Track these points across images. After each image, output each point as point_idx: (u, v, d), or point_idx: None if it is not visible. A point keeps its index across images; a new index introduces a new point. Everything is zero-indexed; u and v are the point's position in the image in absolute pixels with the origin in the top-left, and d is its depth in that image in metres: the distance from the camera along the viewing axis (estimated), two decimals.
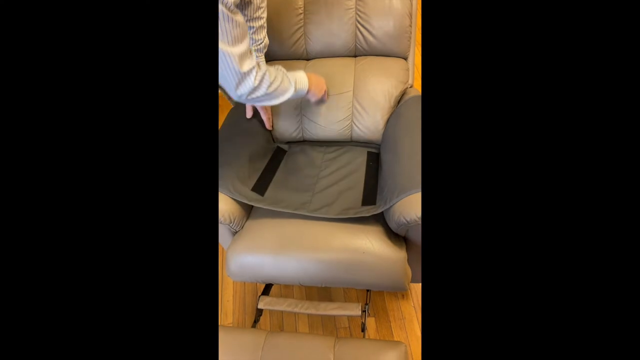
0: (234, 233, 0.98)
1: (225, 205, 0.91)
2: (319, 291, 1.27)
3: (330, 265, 0.88)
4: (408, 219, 0.80)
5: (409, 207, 0.80)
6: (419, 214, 0.78)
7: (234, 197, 0.93)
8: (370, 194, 0.98)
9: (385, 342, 0.80)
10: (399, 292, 1.23)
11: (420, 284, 1.24)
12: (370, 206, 0.93)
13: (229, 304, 1.28)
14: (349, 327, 1.18)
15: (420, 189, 0.80)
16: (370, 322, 1.18)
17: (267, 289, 1.04)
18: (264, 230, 0.94)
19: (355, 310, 0.89)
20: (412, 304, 1.22)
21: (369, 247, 0.86)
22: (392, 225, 0.86)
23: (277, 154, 1.18)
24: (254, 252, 0.92)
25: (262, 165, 1.11)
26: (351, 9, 1.10)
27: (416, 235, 0.88)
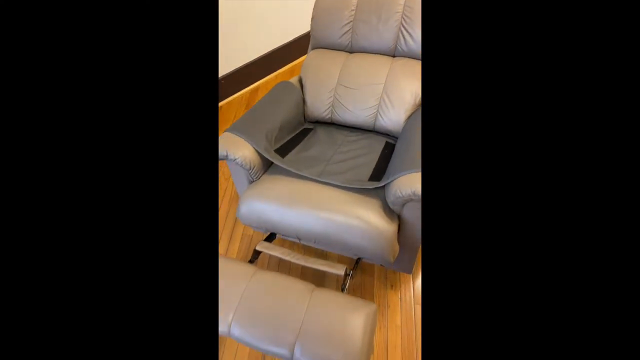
0: (251, 182, 1.10)
1: (249, 153, 1.04)
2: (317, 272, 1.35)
3: (327, 223, 0.97)
4: (403, 193, 0.88)
5: (406, 183, 0.88)
6: (414, 189, 0.86)
7: (258, 150, 1.06)
8: (379, 173, 1.07)
9: (357, 300, 0.88)
10: (389, 281, 1.29)
11: (409, 277, 1.29)
12: (375, 182, 1.02)
13: (232, 253, 1.40)
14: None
15: (418, 170, 0.88)
16: None
17: (269, 239, 1.14)
18: (276, 183, 1.05)
19: (340, 270, 0.97)
20: (399, 296, 1.27)
21: (364, 215, 0.95)
22: (390, 199, 0.95)
23: (304, 131, 1.30)
24: (263, 199, 1.03)
25: (289, 136, 1.24)
26: (399, 12, 1.22)
27: (410, 215, 0.95)
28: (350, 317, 0.84)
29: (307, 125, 1.33)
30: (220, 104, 2.01)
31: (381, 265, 1.25)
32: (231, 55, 1.91)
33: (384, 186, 1.00)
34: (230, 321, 0.87)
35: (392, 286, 1.30)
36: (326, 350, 0.81)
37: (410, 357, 1.11)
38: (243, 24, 1.85)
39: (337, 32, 1.30)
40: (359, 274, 1.30)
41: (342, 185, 1.01)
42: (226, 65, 1.92)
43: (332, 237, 0.98)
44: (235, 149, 1.03)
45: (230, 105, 2.03)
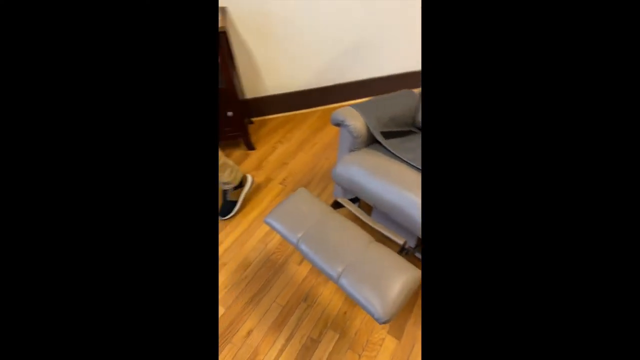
0: (351, 150, 1.32)
1: (360, 125, 1.27)
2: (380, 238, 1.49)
3: (402, 199, 1.12)
4: None
5: None
6: None
7: (368, 125, 1.28)
8: None
9: (406, 262, 1.00)
10: None
11: None
12: None
13: None
14: None
15: None
16: None
17: (352, 201, 1.34)
18: (371, 156, 1.25)
19: (400, 240, 1.11)
20: None
21: None
22: None
23: (410, 131, 1.48)
24: (357, 165, 1.24)
25: (395, 128, 1.43)
26: None
27: None
28: (395, 272, 0.97)
29: (414, 129, 1.50)
30: (339, 104, 2.34)
31: None
32: (356, 70, 2.21)
33: None
34: (299, 237, 1.08)
35: None
36: (365, 289, 0.95)
37: None
38: (373, 46, 2.13)
39: None
40: None
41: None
42: (352, 75, 2.23)
43: (402, 211, 1.12)
44: (350, 119, 1.27)
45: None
